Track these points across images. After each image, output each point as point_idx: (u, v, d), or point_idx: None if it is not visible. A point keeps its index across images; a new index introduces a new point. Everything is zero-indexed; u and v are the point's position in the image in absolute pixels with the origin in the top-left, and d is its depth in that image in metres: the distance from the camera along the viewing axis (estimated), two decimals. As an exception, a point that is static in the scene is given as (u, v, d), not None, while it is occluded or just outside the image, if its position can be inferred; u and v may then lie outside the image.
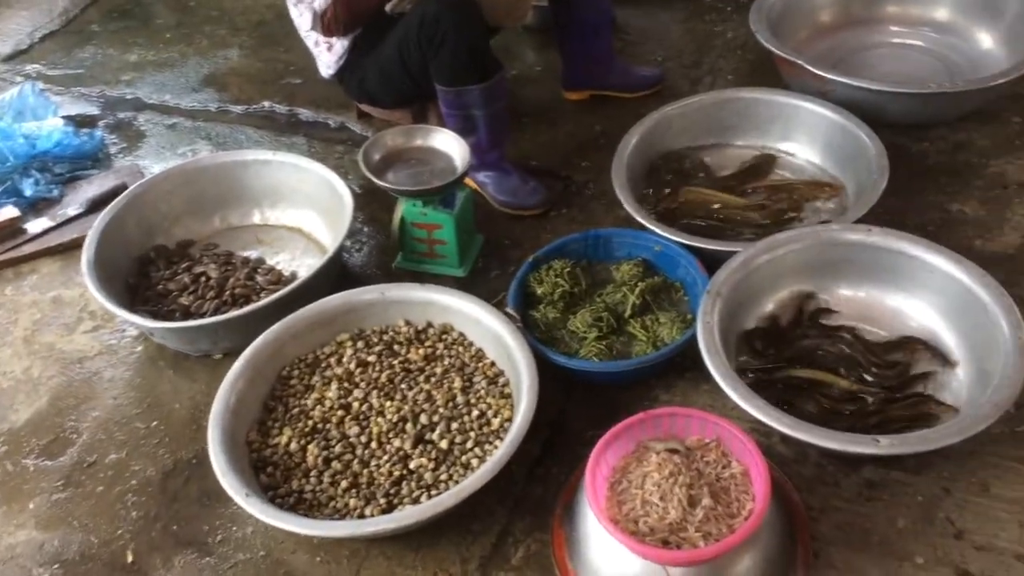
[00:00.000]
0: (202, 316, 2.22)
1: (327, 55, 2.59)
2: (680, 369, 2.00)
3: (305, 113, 3.01)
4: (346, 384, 2.00)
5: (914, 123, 2.48)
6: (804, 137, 2.43)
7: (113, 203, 2.40)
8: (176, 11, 3.70)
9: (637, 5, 3.26)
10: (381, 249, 2.48)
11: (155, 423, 2.10)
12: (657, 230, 2.14)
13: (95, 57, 3.46)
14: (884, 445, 1.59)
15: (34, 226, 2.62)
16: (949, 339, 1.89)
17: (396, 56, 2.39)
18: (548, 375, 1.96)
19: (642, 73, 2.86)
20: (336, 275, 2.37)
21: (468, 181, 2.57)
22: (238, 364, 1.96)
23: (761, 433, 1.83)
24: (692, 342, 1.87)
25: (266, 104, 3.08)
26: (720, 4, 3.21)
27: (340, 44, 2.55)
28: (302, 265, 2.43)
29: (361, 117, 2.90)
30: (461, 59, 2.28)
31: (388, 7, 2.31)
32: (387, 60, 2.44)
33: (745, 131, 2.50)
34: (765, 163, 2.44)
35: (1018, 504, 1.66)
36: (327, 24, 2.38)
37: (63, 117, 2.92)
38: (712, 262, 2.03)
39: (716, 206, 2.31)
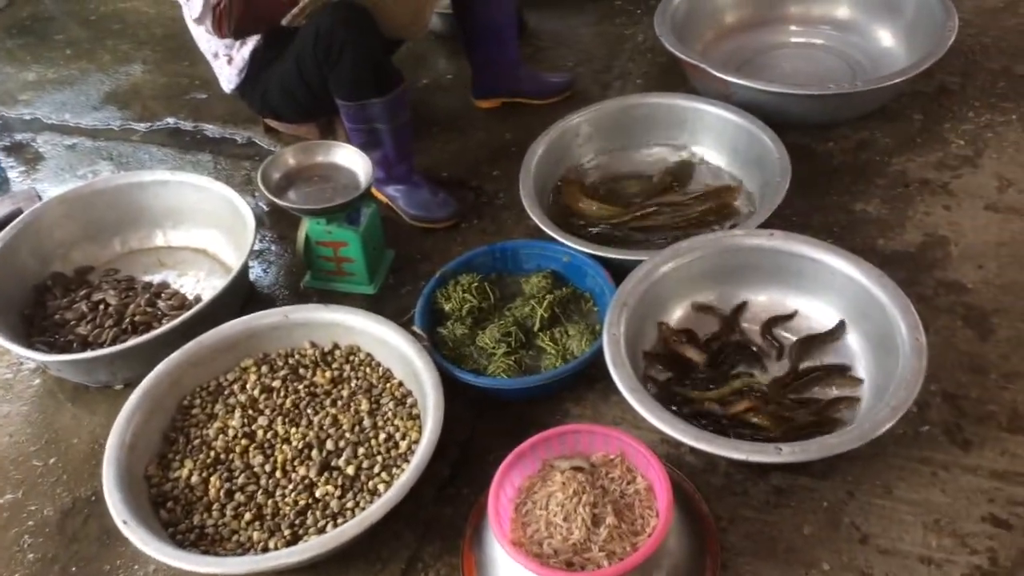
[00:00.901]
0: (100, 346, 2.15)
1: (227, 69, 2.52)
2: (590, 380, 1.98)
3: (211, 129, 2.93)
4: (250, 411, 1.95)
5: (817, 123, 2.50)
6: (710, 141, 2.43)
7: (3, 232, 2.30)
8: (77, 25, 3.58)
9: (548, 9, 3.24)
10: (290, 268, 2.42)
11: (53, 460, 2.01)
12: (564, 241, 2.12)
13: (-9, 76, 3.34)
14: (786, 453, 1.59)
15: (-78, 256, 2.50)
16: (852, 341, 1.91)
17: (295, 71, 2.34)
18: (458, 393, 1.94)
19: (552, 79, 2.84)
20: (243, 296, 2.31)
21: (377, 195, 2.54)
22: (134, 396, 1.89)
23: (671, 444, 1.83)
24: (601, 354, 1.85)
25: (170, 120, 2.99)
26: (630, 7, 3.21)
27: (240, 57, 2.49)
28: (207, 287, 2.36)
29: (268, 132, 2.83)
30: (360, 73, 2.23)
31: (284, 20, 2.25)
32: (287, 75, 2.38)
33: (652, 136, 2.49)
34: (682, 170, 2.43)
35: (921, 506, 1.67)
36: (218, 17, 2.24)
37: (-47, 142, 2.80)
38: (620, 271, 2.02)
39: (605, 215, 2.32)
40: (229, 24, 2.29)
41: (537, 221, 2.18)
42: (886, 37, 2.70)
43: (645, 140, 2.50)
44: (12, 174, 2.83)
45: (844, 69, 2.69)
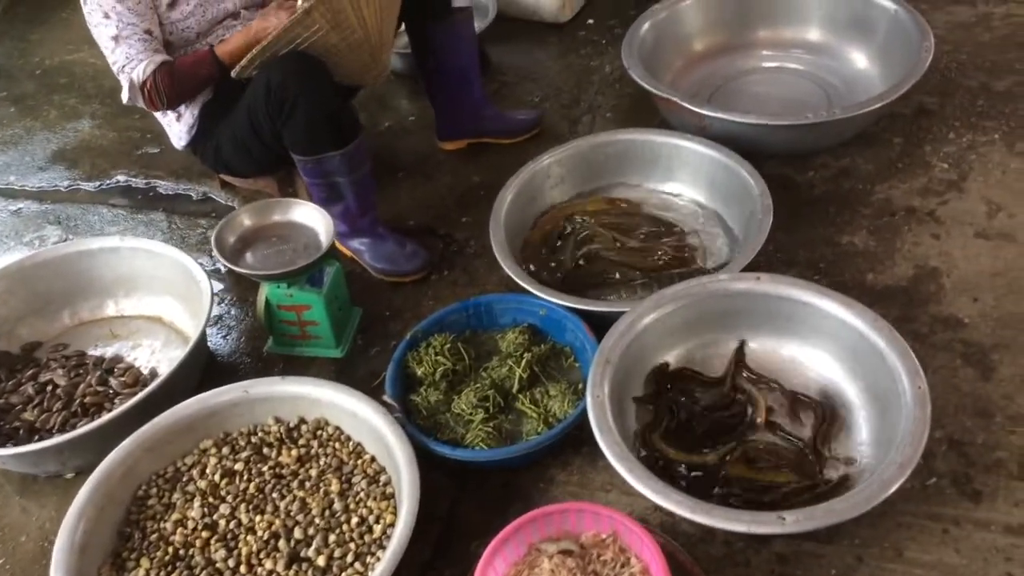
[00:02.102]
0: (48, 431, 2.01)
1: (176, 125, 2.40)
2: (576, 444, 1.86)
3: (164, 185, 2.80)
4: (211, 499, 1.81)
5: (796, 152, 2.41)
6: (687, 177, 2.33)
7: (-59, 313, 2.16)
8: (22, 80, 3.43)
9: (511, 43, 3.14)
10: (251, 333, 2.28)
11: (0, 561, 1.86)
12: (539, 293, 2.01)
13: (-71, 138, 3.18)
14: (790, 523, 1.48)
15: None
16: (850, 389, 1.80)
17: (247, 125, 2.21)
18: (436, 464, 1.82)
19: (519, 117, 2.73)
20: (202, 367, 2.18)
21: (342, 249, 2.41)
22: (84, 491, 1.75)
23: (665, 511, 1.70)
24: (586, 415, 1.73)
25: (121, 178, 2.85)
26: (595, 37, 3.11)
27: (189, 113, 2.36)
28: (164, 359, 2.22)
29: (225, 186, 2.70)
30: (314, 126, 2.11)
31: (233, 72, 2.13)
32: (239, 129, 2.26)
33: (626, 174, 2.39)
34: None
35: (935, 568, 1.56)
36: (148, 96, 2.18)
37: None
38: (601, 322, 1.91)
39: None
40: (162, 102, 2.18)
41: (510, 273, 2.06)
42: (860, 59, 2.62)
43: (620, 178, 2.39)
44: (-47, 244, 2.69)
45: (818, 93, 2.60)
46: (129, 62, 2.15)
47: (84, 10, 2.20)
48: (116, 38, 2.15)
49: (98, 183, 2.85)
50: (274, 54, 2.09)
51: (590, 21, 3.19)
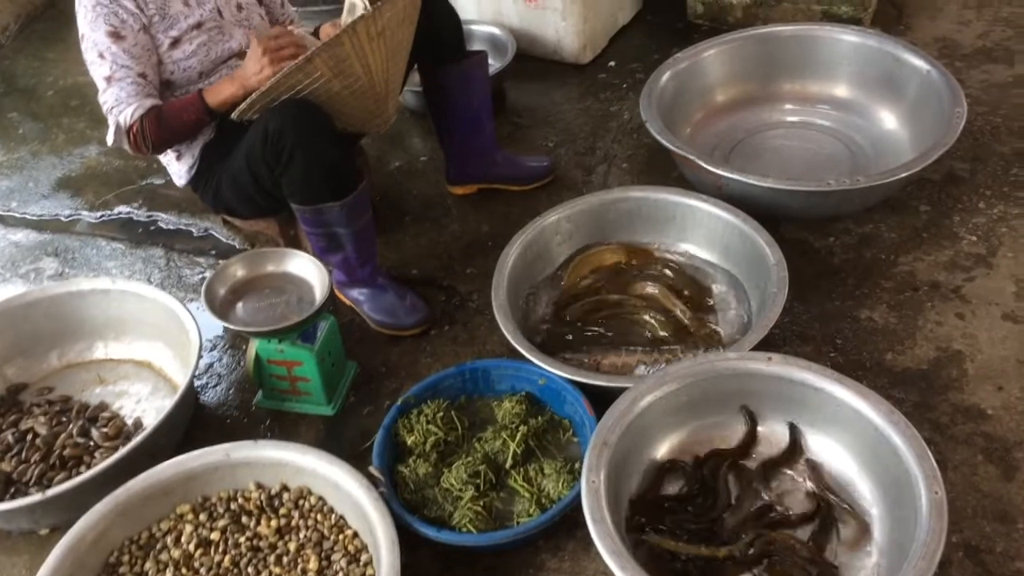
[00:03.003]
0: (25, 484, 1.94)
1: (176, 165, 2.33)
2: (570, 526, 1.76)
3: (166, 219, 2.74)
4: (184, 570, 1.72)
5: (816, 217, 2.30)
6: (701, 239, 2.23)
7: (-77, 353, 2.10)
8: (33, 102, 3.39)
9: (529, 81, 3.06)
10: (241, 383, 2.21)
11: (-33, 621, 1.80)
12: (538, 362, 1.91)
13: (-65, 160, 3.15)
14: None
15: None
16: (864, 487, 1.69)
17: (246, 170, 2.14)
18: (421, 542, 1.72)
19: (531, 164, 2.64)
20: (188, 419, 2.10)
21: (340, 297, 2.34)
22: (53, 555, 1.67)
23: (659, 610, 1.60)
24: (580, 498, 1.64)
25: (123, 210, 2.79)
26: (616, 81, 3.02)
27: (190, 153, 2.30)
28: (149, 408, 2.15)
29: (226, 224, 2.63)
30: (313, 177, 2.04)
31: (234, 115, 2.06)
32: (238, 173, 2.18)
33: (637, 232, 2.29)
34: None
35: None
36: (134, 140, 2.12)
37: None
38: (602, 395, 1.82)
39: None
40: (147, 147, 2.12)
41: (511, 339, 1.97)
42: (888, 118, 2.51)
43: (631, 236, 2.29)
44: (-52, 273, 2.64)
45: (843, 153, 2.49)
46: (118, 104, 2.09)
47: (82, 47, 2.15)
48: (108, 79, 2.09)
49: (100, 214, 2.80)
50: (275, 99, 2.01)
51: (611, 63, 3.10)
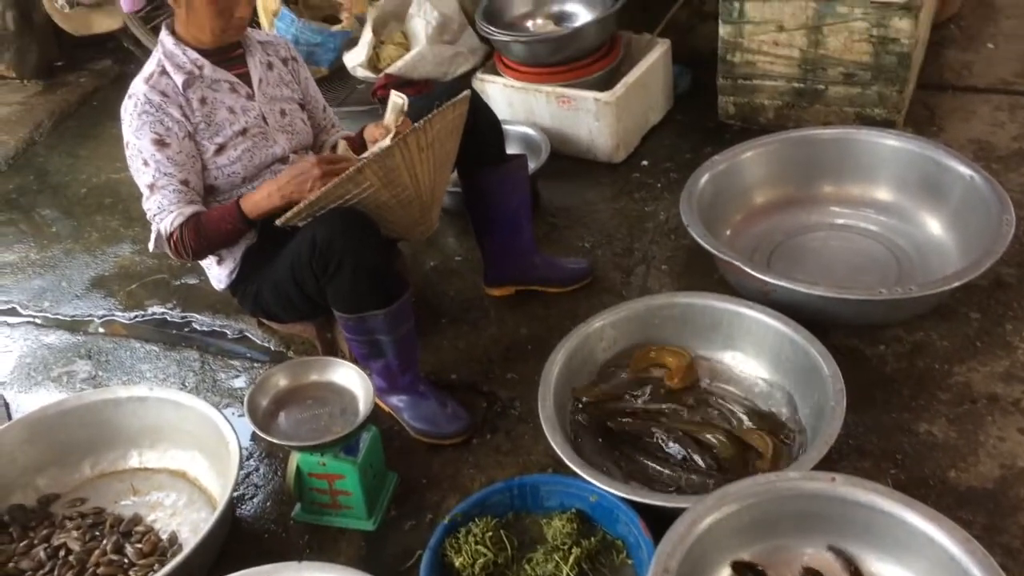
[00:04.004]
0: (57, 607, 1.87)
1: (216, 269, 2.32)
2: (627, 657, 1.68)
3: (201, 320, 2.71)
4: None
5: (866, 324, 2.26)
6: (750, 348, 2.19)
7: (-44, 464, 2.05)
8: (67, 199, 3.41)
9: (562, 181, 3.06)
10: (278, 496, 2.15)
11: None
12: (590, 479, 1.85)
13: (-32, 259, 3.15)
14: None
15: None
16: (938, 617, 1.61)
17: (289, 278, 2.12)
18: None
19: (569, 266, 2.63)
20: (225, 535, 2.03)
21: (380, 404, 2.29)
22: None
23: None
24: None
25: (157, 310, 2.77)
26: (650, 180, 3.02)
27: (231, 257, 2.29)
28: (185, 521, 2.08)
29: (262, 325, 2.61)
30: (359, 286, 2.02)
31: (279, 221, 2.05)
32: (281, 279, 2.16)
33: (684, 339, 2.25)
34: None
35: None
36: (174, 247, 2.13)
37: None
38: (657, 515, 1.75)
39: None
40: (187, 254, 2.14)
41: (561, 453, 1.91)
42: (933, 224, 2.49)
43: (676, 342, 2.25)
44: (-20, 376, 2.61)
45: (888, 259, 2.46)
46: (160, 211, 2.10)
47: (126, 153, 2.16)
48: (151, 186, 2.10)
49: (134, 315, 2.78)
50: (322, 208, 2.01)
51: (644, 163, 3.11)
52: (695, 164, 2.72)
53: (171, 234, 2.10)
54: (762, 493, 1.74)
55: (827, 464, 1.82)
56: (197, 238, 2.11)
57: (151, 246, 2.15)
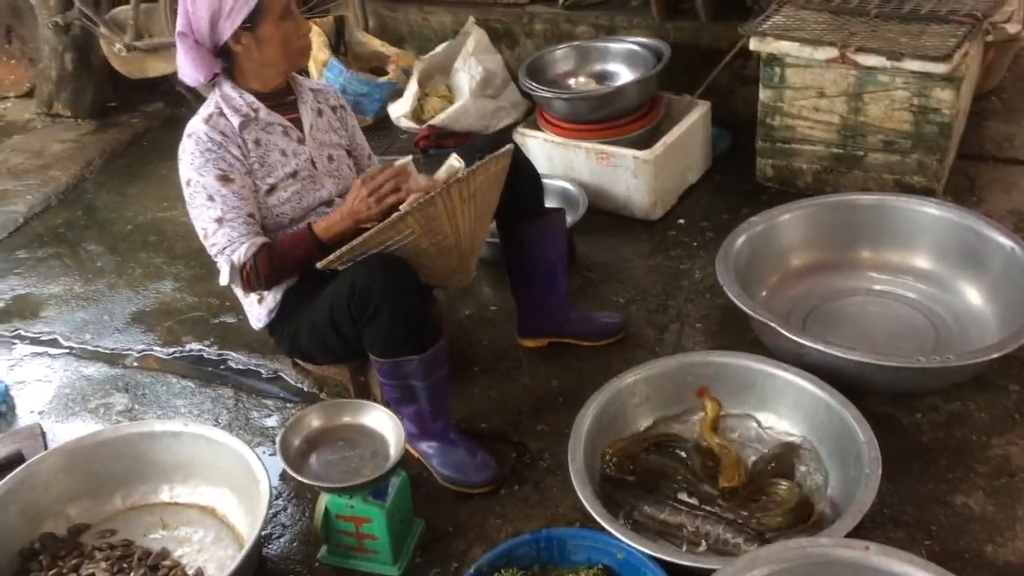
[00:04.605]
0: (83, 638, 1.88)
1: (257, 308, 2.36)
2: None
3: (236, 359, 2.75)
4: None
5: (902, 392, 2.24)
6: (783, 409, 2.18)
7: (-8, 491, 2.07)
8: (112, 235, 3.49)
9: (598, 236, 3.09)
10: (305, 537, 2.15)
11: None
12: (618, 535, 1.84)
13: (15, 289, 3.21)
14: None
15: (-92, 504, 2.28)
16: None
17: (327, 320, 2.16)
18: None
19: (603, 320, 2.64)
20: (252, 573, 2.03)
21: (409, 449, 2.29)
22: None
23: None
24: None
25: (195, 347, 2.82)
26: (686, 239, 3.04)
27: (271, 297, 2.32)
28: (211, 559, 2.09)
29: (296, 366, 2.63)
30: (396, 331, 2.05)
31: (320, 264, 2.10)
32: (319, 321, 2.20)
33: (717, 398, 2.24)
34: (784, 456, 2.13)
35: None
36: (247, 278, 2.17)
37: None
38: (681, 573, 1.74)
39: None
40: (259, 283, 2.17)
41: (589, 508, 1.91)
42: (972, 294, 2.47)
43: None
44: (18, 403, 2.64)
45: (926, 327, 2.45)
46: (231, 244, 2.14)
47: (186, 192, 2.21)
48: (220, 220, 2.14)
49: (172, 350, 2.82)
50: (363, 252, 2.05)
51: (681, 221, 3.13)
52: (732, 224, 2.75)
53: (244, 264, 2.13)
54: (793, 559, 1.71)
55: (860, 532, 1.80)
56: (271, 265, 2.15)
57: (224, 280, 2.18)
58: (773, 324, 2.24)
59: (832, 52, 2.85)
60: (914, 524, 1.95)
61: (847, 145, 2.99)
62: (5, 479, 2.10)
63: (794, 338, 2.19)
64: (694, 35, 3.55)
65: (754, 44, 2.97)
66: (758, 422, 2.20)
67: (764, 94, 3.06)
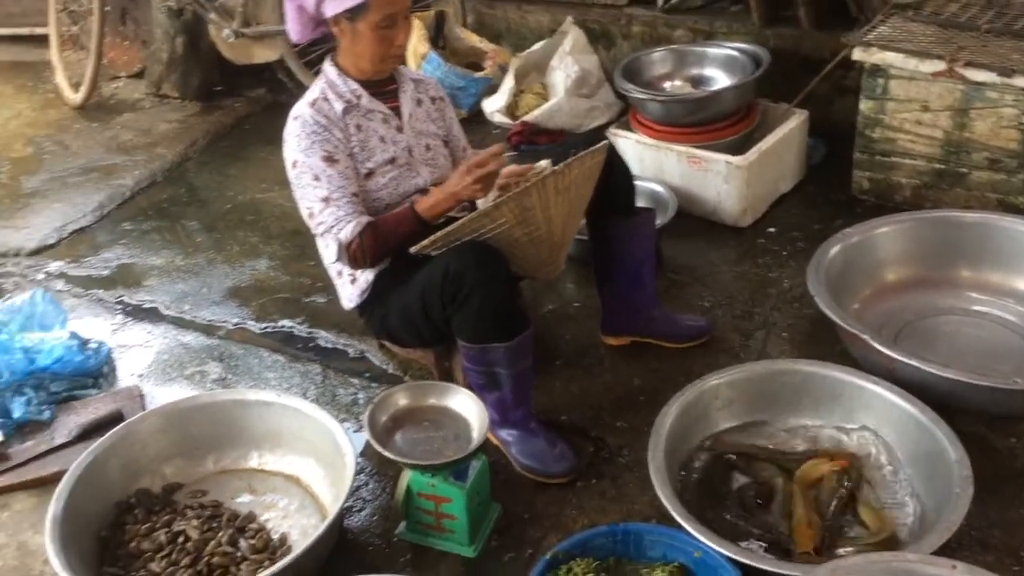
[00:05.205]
0: (171, 589, 1.96)
1: (350, 288, 2.43)
2: None
3: (325, 337, 2.82)
4: None
5: (995, 414, 2.18)
6: (870, 422, 2.14)
7: (97, 444, 2.18)
8: (212, 213, 3.62)
9: (686, 240, 3.08)
10: (385, 512, 2.20)
11: None
12: (696, 534, 1.84)
13: (120, 258, 3.36)
14: None
15: (17, 453, 2.41)
16: None
17: (418, 303, 2.21)
18: None
19: (688, 323, 2.63)
20: (332, 545, 2.10)
21: (489, 436, 2.32)
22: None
23: None
24: None
25: (286, 323, 2.91)
26: (775, 247, 3.01)
27: (364, 278, 2.39)
28: (296, 525, 2.16)
29: (382, 348, 2.70)
30: (485, 318, 2.09)
31: (413, 249, 2.15)
32: (409, 304, 2.26)
33: (801, 408, 2.22)
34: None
35: None
36: (353, 255, 2.24)
37: (71, 331, 2.75)
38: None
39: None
40: (365, 260, 2.24)
41: (667, 505, 1.91)
42: (1074, 319, 2.40)
43: (793, 412, 2.22)
44: (119, 366, 2.77)
45: (1022, 350, 2.38)
46: (338, 222, 2.22)
47: (291, 173, 2.29)
48: (326, 199, 2.22)
49: (264, 326, 2.92)
50: (457, 239, 2.09)
51: (771, 229, 3.10)
52: (824, 235, 2.71)
53: (351, 242, 2.21)
54: (876, 572, 1.69)
55: (946, 552, 1.76)
56: (376, 243, 2.22)
57: (332, 257, 2.26)
58: (865, 336, 2.20)
59: (939, 65, 2.79)
60: (1003, 548, 1.90)
61: (950, 161, 2.92)
62: (107, 435, 2.21)
63: (887, 352, 2.16)
64: (795, 42, 3.52)
65: (858, 54, 2.93)
66: (846, 432, 2.17)
67: (865, 105, 3.01)
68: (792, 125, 3.19)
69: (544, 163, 2.24)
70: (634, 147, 3.27)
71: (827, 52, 3.25)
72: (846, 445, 2.15)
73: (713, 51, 3.48)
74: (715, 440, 2.19)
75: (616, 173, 2.41)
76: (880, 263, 2.64)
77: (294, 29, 2.33)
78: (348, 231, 2.21)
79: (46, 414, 2.51)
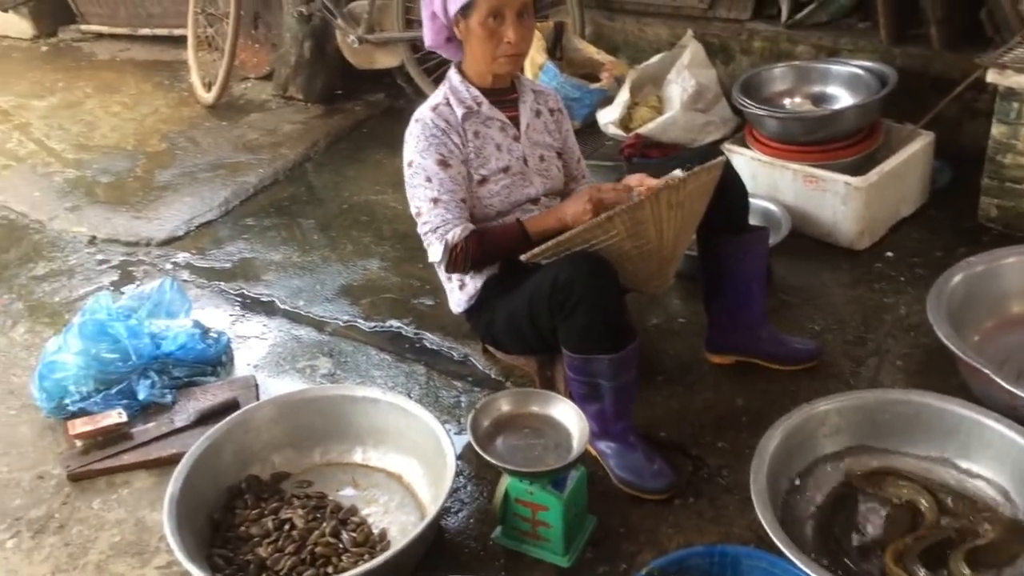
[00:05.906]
0: (276, 573, 2.04)
1: (458, 293, 2.48)
2: None
3: (431, 339, 2.89)
4: None
5: None
6: (988, 461, 2.05)
7: (214, 429, 2.28)
8: (329, 212, 3.75)
9: (798, 260, 3.01)
10: (482, 515, 2.24)
11: None
12: (798, 562, 1.80)
13: (242, 252, 3.51)
14: None
15: (140, 433, 2.55)
16: None
17: (526, 311, 2.24)
18: None
19: (796, 345, 2.58)
20: (430, 543, 2.14)
21: (588, 447, 2.33)
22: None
23: None
24: None
25: (394, 324, 2.98)
26: (892, 272, 2.91)
27: (472, 284, 2.44)
28: (395, 522, 2.21)
29: (485, 353, 2.74)
30: (592, 328, 2.10)
31: (523, 256, 2.18)
32: (516, 312, 2.29)
33: (914, 441, 2.14)
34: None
35: None
36: (455, 259, 2.29)
37: (194, 320, 2.90)
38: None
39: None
40: (466, 265, 2.28)
41: (768, 529, 1.87)
42: None
43: (903, 443, 2.15)
44: (236, 356, 2.90)
45: None
46: (444, 224, 2.27)
47: (406, 172, 2.36)
48: (435, 200, 2.28)
49: (373, 324, 3.00)
50: (568, 249, 2.11)
51: (889, 254, 3.01)
52: (946, 263, 2.62)
53: (456, 244, 2.25)
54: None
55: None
56: (479, 251, 2.27)
57: (436, 257, 2.30)
58: (987, 370, 2.11)
59: (1080, 90, 2.66)
60: None
61: (1089, 204, 2.78)
62: (224, 421, 2.32)
63: (1010, 388, 2.06)
64: (924, 62, 3.40)
65: (992, 76, 2.81)
66: (958, 469, 2.09)
67: (997, 129, 2.88)
68: (917, 147, 3.08)
69: (678, 172, 2.23)
70: (748, 163, 3.22)
71: (957, 73, 3.14)
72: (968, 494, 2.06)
73: (836, 68, 3.39)
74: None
75: (731, 190, 2.39)
76: (1005, 295, 2.53)
77: (428, 35, 2.41)
78: (455, 234, 2.25)
79: (168, 398, 2.65)
